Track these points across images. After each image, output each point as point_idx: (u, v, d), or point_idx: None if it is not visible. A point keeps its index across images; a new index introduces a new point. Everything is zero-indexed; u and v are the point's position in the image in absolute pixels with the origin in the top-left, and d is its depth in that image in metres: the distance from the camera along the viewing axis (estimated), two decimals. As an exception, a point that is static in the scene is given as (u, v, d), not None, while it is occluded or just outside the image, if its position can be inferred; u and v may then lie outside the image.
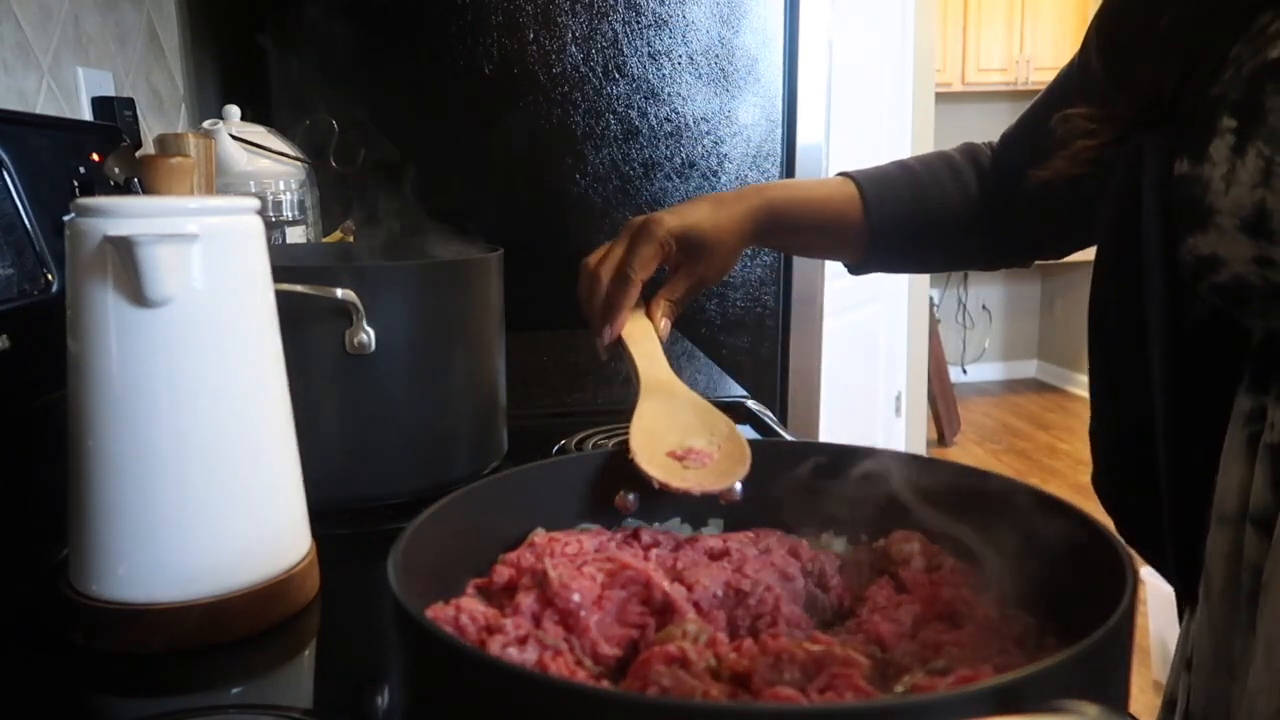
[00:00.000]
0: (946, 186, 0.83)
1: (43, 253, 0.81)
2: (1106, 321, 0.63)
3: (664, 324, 0.73)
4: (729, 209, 0.77)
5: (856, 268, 0.87)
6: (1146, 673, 2.41)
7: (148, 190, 0.62)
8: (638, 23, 1.68)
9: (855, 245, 0.84)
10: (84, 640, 0.61)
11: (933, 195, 0.83)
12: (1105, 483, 0.66)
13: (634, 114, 1.70)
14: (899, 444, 3.39)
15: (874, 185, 0.83)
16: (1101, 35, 0.63)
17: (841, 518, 0.53)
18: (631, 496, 0.55)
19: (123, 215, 0.58)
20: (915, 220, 0.82)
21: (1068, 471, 4.05)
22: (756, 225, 0.79)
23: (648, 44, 1.68)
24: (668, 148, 1.72)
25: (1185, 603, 0.64)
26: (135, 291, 0.57)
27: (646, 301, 0.74)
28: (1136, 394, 0.61)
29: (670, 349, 0.71)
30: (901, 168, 0.84)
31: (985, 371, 5.80)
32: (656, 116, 1.71)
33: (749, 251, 1.77)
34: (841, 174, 0.85)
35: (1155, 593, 2.31)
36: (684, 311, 0.76)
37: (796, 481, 0.55)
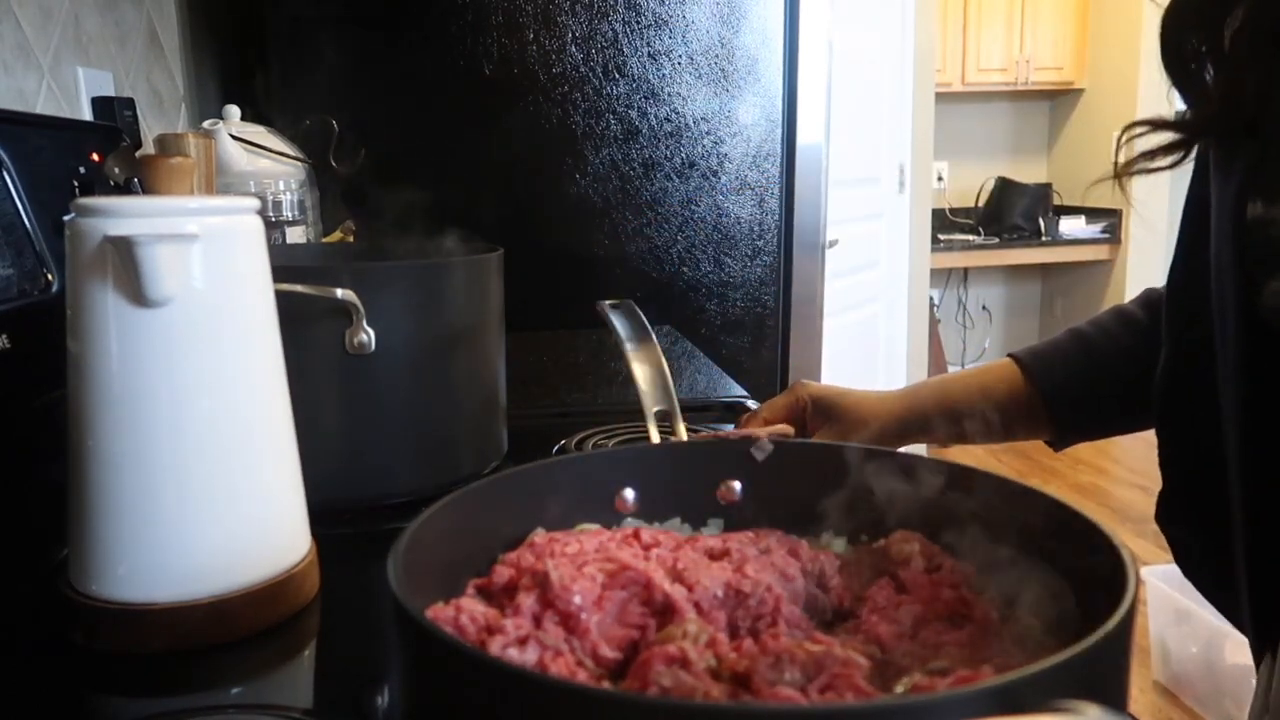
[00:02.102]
0: (1122, 341, 0.78)
1: (43, 253, 0.81)
2: (1177, 372, 0.63)
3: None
4: (882, 394, 0.78)
5: (1057, 444, 0.82)
6: (1146, 673, 2.41)
7: (148, 190, 0.62)
8: (638, 23, 1.68)
9: (1037, 422, 0.79)
10: (84, 640, 0.61)
11: (1105, 349, 0.78)
12: (1169, 525, 0.66)
13: (634, 114, 1.70)
14: (899, 444, 3.38)
15: (1037, 356, 0.80)
16: (1164, 43, 0.59)
17: (841, 517, 0.53)
18: (632, 495, 0.55)
19: (123, 215, 0.58)
20: (1096, 380, 0.77)
21: (1068, 471, 4.05)
22: (910, 408, 0.77)
23: (648, 44, 1.68)
24: (668, 148, 1.72)
25: (1263, 647, 0.63)
26: (135, 291, 0.57)
27: None
28: (1208, 444, 0.60)
29: (670, 350, 0.72)
30: (1069, 333, 0.81)
31: (985, 371, 5.79)
32: (656, 116, 1.71)
33: (748, 251, 1.77)
34: (1009, 355, 0.83)
35: (1155, 592, 2.31)
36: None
37: (797, 481, 0.55)
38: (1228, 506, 0.59)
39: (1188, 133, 0.58)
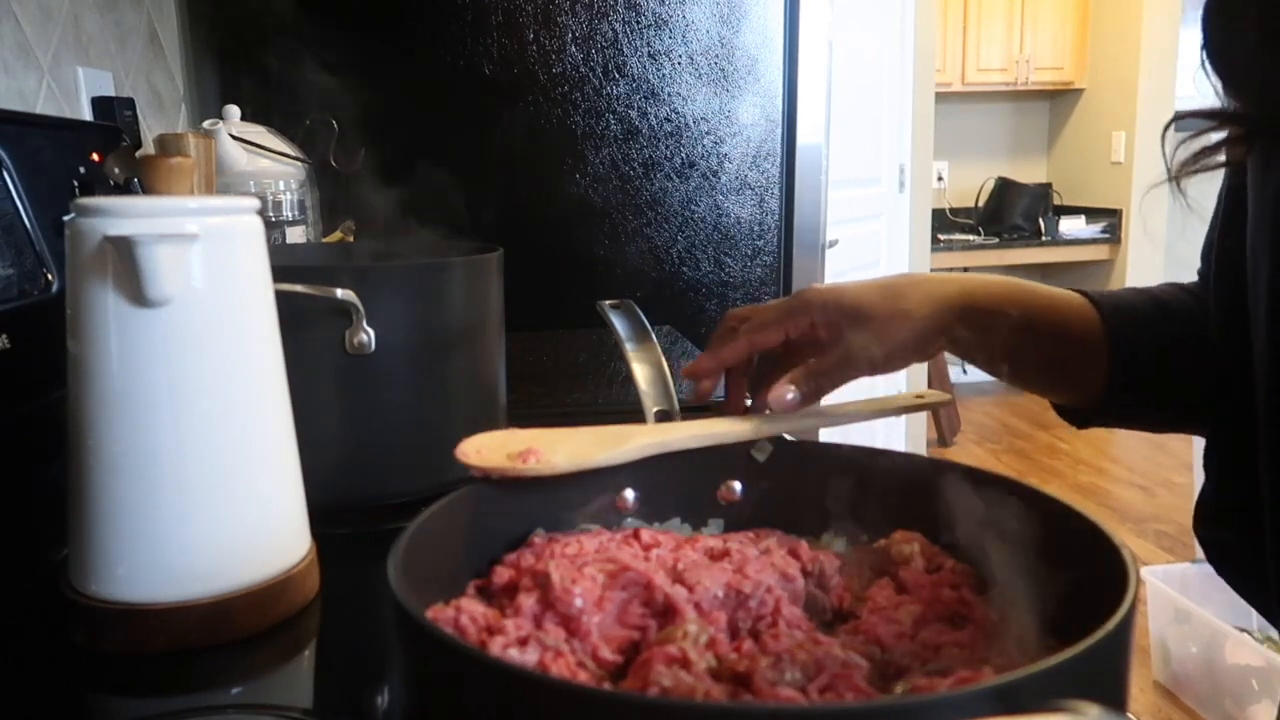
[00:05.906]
0: (1187, 302, 0.69)
1: (43, 253, 0.81)
2: (1220, 356, 0.60)
3: (789, 393, 0.58)
4: (920, 288, 0.64)
5: (1091, 413, 0.70)
6: (1146, 673, 2.41)
7: (148, 190, 0.62)
8: (638, 23, 1.68)
9: (1089, 369, 0.67)
10: (84, 640, 0.61)
11: (1175, 310, 0.68)
12: (1207, 526, 0.63)
13: (634, 114, 1.70)
14: (899, 444, 3.38)
15: (1104, 296, 0.69)
16: (1210, 31, 0.54)
17: (841, 518, 0.53)
18: (632, 495, 0.55)
19: (123, 215, 0.58)
20: (1163, 335, 0.67)
21: (1068, 471, 4.05)
22: (973, 294, 0.64)
23: (648, 44, 1.68)
24: (668, 148, 1.72)
25: None
26: (135, 291, 0.57)
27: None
28: (1246, 437, 0.57)
29: (670, 350, 0.71)
30: (1130, 289, 0.71)
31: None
32: (656, 116, 1.71)
33: (748, 251, 1.77)
34: (1074, 290, 0.72)
35: (1155, 592, 2.31)
36: (822, 389, 0.60)
37: (797, 481, 0.55)
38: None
39: (1256, 128, 0.53)
